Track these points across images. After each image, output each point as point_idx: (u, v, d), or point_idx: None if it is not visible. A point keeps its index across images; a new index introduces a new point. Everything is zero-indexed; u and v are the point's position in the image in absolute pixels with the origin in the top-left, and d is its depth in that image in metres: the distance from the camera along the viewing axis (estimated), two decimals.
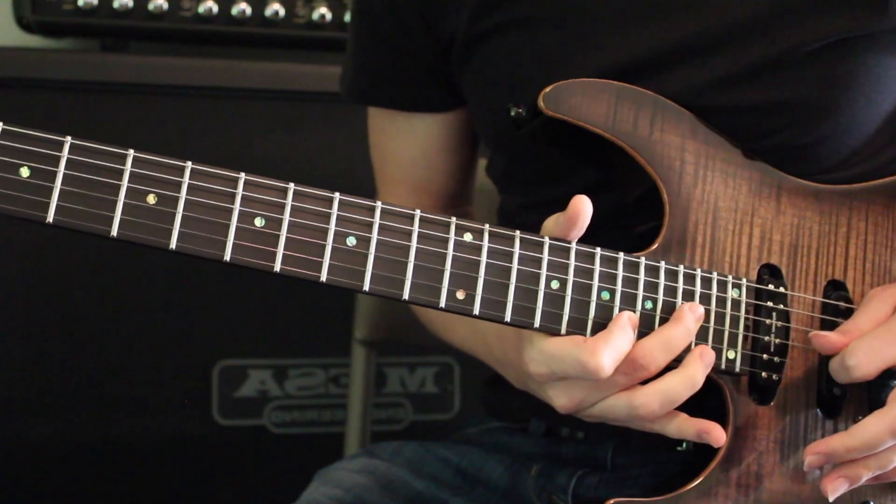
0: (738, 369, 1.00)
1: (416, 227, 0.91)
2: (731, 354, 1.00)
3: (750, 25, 1.05)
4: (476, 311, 0.92)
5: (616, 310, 0.95)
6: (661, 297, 0.97)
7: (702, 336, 0.98)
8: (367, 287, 0.89)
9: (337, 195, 0.90)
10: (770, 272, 1.04)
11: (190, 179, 0.86)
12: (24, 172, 0.82)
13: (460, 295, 0.92)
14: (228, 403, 1.81)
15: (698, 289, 0.99)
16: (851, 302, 1.06)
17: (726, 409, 1.00)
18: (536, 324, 0.93)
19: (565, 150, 1.08)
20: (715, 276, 1.00)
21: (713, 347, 0.98)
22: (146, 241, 0.84)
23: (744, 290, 1.01)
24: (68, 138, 0.83)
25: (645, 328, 0.96)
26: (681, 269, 0.99)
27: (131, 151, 0.85)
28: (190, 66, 1.78)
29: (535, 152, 1.15)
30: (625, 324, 0.92)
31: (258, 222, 0.87)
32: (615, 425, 0.98)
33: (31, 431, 1.73)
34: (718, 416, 0.99)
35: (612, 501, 0.97)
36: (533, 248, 0.94)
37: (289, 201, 0.88)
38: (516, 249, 0.94)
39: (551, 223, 0.96)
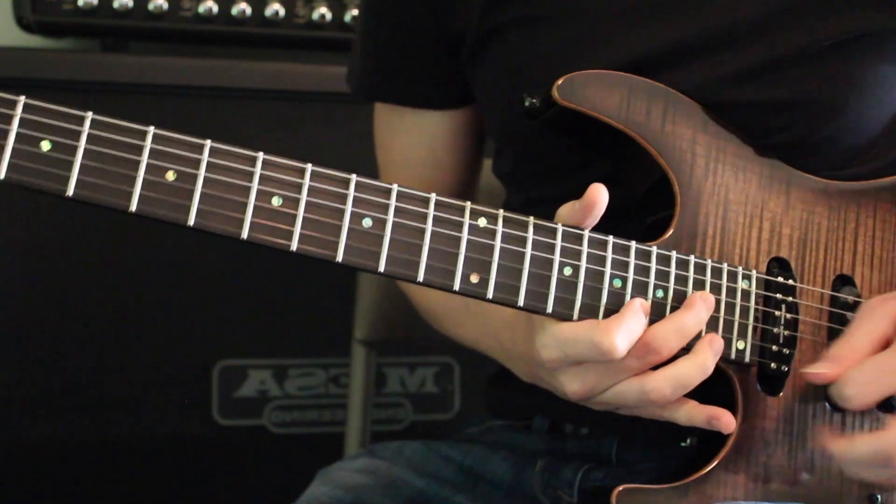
0: (748, 359, 1.00)
1: (431, 211, 0.92)
2: (740, 345, 1.00)
3: (757, 23, 1.06)
4: (490, 294, 0.92)
5: (628, 297, 0.96)
6: (671, 285, 0.98)
7: (712, 326, 0.98)
8: (382, 268, 0.90)
9: (354, 177, 0.90)
10: (779, 265, 1.04)
11: (209, 157, 0.86)
12: (46, 146, 0.82)
13: (474, 279, 0.92)
14: (228, 403, 1.81)
15: (709, 279, 0.99)
16: (859, 297, 1.06)
17: (735, 399, 1.01)
18: (549, 309, 0.94)
19: (576, 143, 1.09)
20: (725, 266, 1.01)
21: (723, 337, 0.98)
22: (164, 217, 0.85)
23: (753, 281, 1.02)
24: (89, 113, 0.84)
25: (656, 316, 0.96)
26: (692, 258, 0.99)
27: (151, 128, 0.85)
28: (190, 66, 1.78)
29: (545, 146, 1.15)
30: (637, 308, 0.93)
31: (275, 201, 0.87)
32: (618, 421, 0.98)
33: (31, 431, 1.72)
34: (726, 407, 0.99)
35: (620, 488, 0.98)
36: (546, 234, 0.95)
37: (306, 181, 0.89)
38: (530, 235, 0.94)
39: (566, 210, 0.96)
